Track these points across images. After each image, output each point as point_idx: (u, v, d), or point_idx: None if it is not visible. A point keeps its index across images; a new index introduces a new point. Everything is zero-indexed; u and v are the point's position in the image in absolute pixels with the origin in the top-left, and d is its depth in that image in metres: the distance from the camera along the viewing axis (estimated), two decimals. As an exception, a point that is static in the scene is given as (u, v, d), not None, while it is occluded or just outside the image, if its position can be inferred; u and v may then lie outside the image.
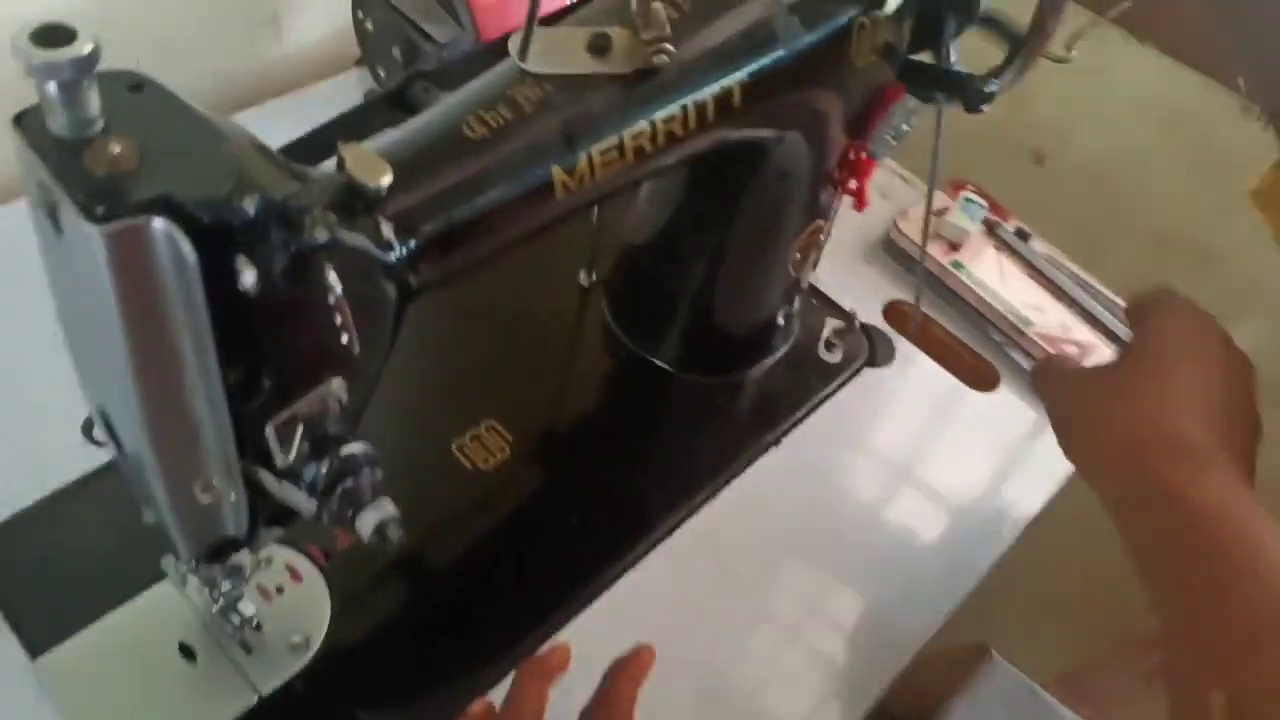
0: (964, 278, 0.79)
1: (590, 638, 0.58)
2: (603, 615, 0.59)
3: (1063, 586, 1.14)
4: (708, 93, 0.48)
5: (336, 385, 0.39)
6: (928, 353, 0.77)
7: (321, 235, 0.33)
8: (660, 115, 0.47)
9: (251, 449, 0.39)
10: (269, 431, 0.38)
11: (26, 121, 0.32)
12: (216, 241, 0.32)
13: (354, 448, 0.40)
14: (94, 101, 0.31)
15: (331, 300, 0.35)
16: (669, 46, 0.45)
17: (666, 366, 0.72)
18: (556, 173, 0.44)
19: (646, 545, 0.62)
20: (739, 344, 0.72)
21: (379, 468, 0.41)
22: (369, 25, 0.76)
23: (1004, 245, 0.83)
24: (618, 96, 0.46)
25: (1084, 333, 0.78)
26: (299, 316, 0.35)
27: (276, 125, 0.78)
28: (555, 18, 0.48)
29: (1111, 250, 0.99)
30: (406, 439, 0.64)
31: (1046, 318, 0.78)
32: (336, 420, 0.40)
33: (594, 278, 0.75)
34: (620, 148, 0.46)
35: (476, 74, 0.47)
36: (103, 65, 0.31)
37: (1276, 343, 0.95)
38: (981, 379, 0.77)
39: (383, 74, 0.78)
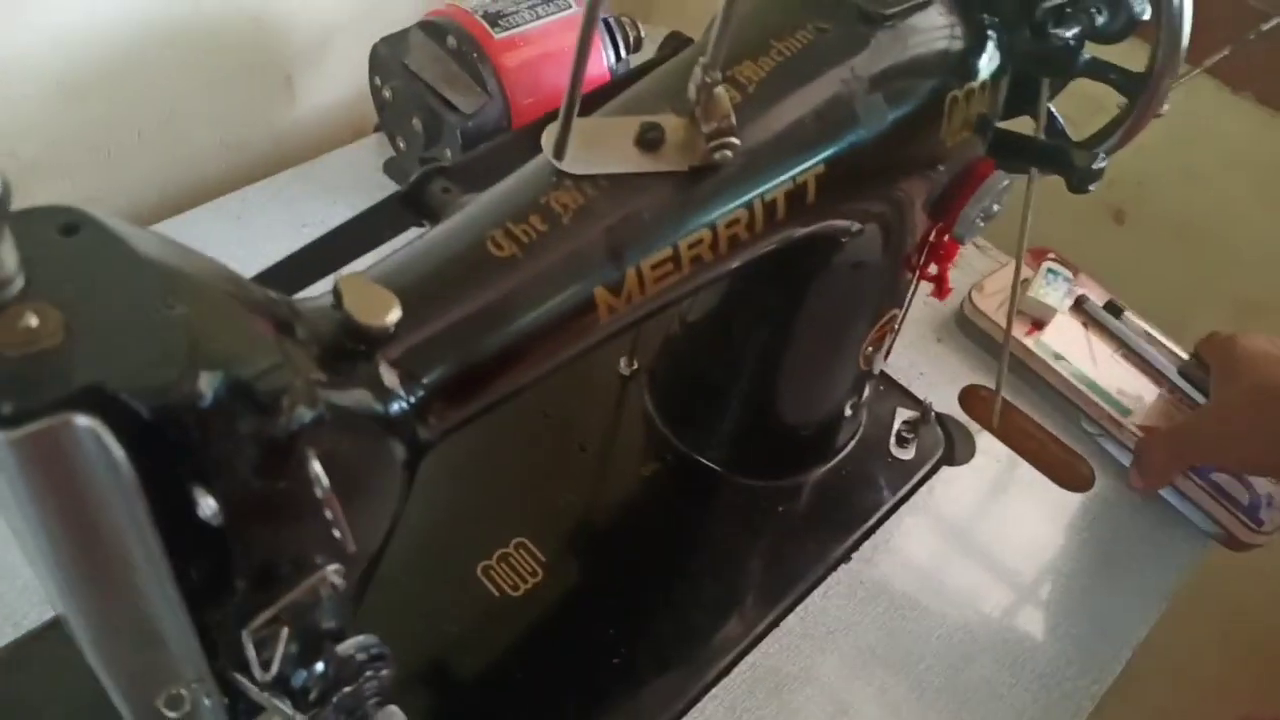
0: (1050, 360, 0.71)
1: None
2: (651, 776, 0.51)
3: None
4: (778, 188, 0.41)
5: (332, 571, 0.32)
6: (1012, 446, 0.69)
7: (304, 416, 0.26)
8: (722, 218, 0.39)
9: (228, 655, 0.31)
10: (245, 639, 0.30)
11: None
12: (164, 435, 0.24)
13: (353, 645, 0.33)
14: (10, 257, 0.24)
15: (319, 494, 0.27)
16: (734, 140, 0.37)
17: (717, 468, 0.64)
18: (600, 293, 0.37)
19: (699, 688, 0.54)
20: (800, 442, 0.64)
21: (387, 666, 0.34)
22: (387, 93, 0.70)
23: (1093, 322, 0.74)
24: (672, 198, 0.38)
25: (1189, 421, 0.70)
26: (277, 518, 0.28)
27: (291, 200, 0.72)
28: (593, 101, 0.41)
29: (1200, 318, 0.90)
30: (423, 563, 0.56)
31: (1145, 405, 0.69)
32: (330, 612, 0.33)
33: (635, 365, 0.67)
34: (675, 259, 0.39)
35: (506, 169, 0.40)
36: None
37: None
38: (1075, 476, 0.68)
39: (402, 145, 0.71)
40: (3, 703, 0.50)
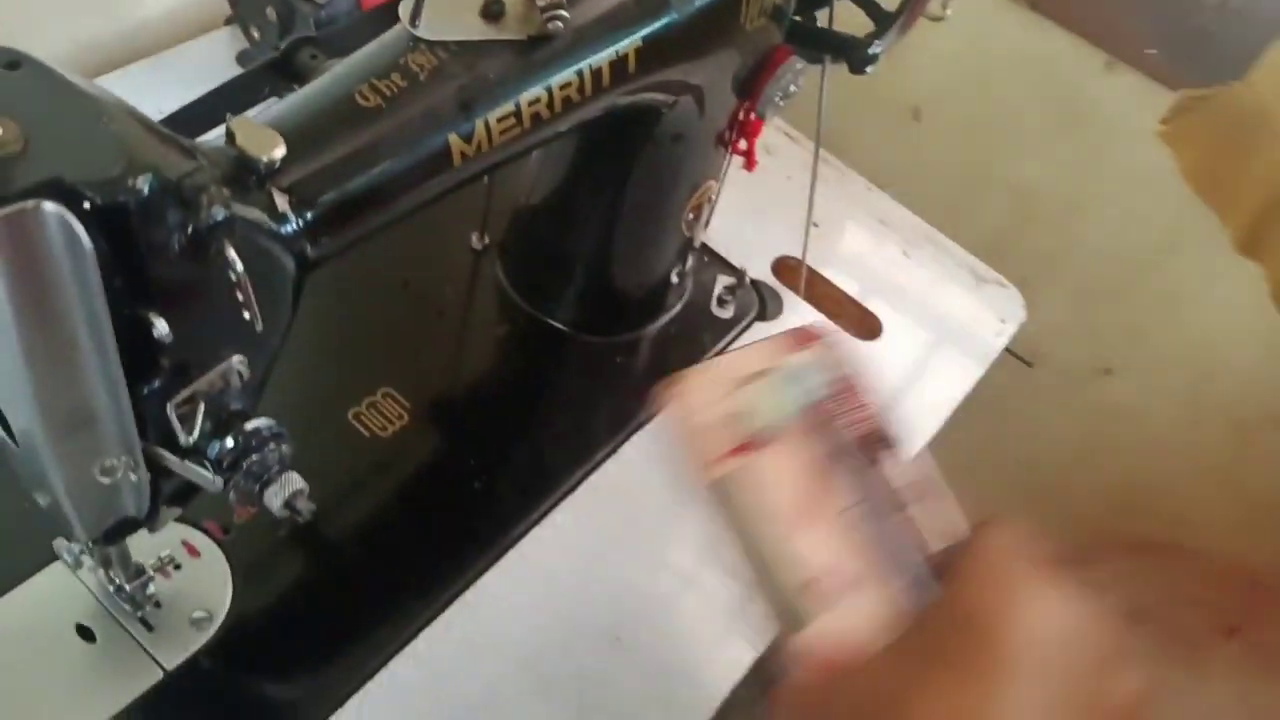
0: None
1: (498, 595, 0.59)
2: (510, 575, 0.60)
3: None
4: (603, 58, 0.49)
5: (237, 361, 0.39)
6: (815, 306, 0.80)
7: (219, 213, 0.33)
8: (556, 81, 0.47)
9: (153, 429, 0.38)
10: (170, 411, 0.37)
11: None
12: (110, 224, 0.31)
13: (258, 423, 0.40)
14: (-32, 80, 0.30)
15: (233, 278, 0.34)
16: (564, 13, 0.45)
17: (563, 327, 0.72)
18: (454, 141, 0.44)
19: (550, 503, 0.63)
20: (635, 303, 0.73)
21: (285, 442, 0.41)
22: (242, -20, 0.73)
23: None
24: (513, 63, 0.46)
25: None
26: (200, 296, 0.35)
27: (145, 90, 0.75)
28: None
29: (981, 203, 1.03)
30: (302, 410, 0.63)
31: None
32: (238, 396, 0.40)
33: (487, 240, 0.75)
34: (518, 115, 0.46)
35: (365, 40, 0.46)
36: None
37: (1133, 288, 1.01)
38: (866, 328, 0.80)
39: (256, 35, 0.75)
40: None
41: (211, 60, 0.81)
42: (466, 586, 0.59)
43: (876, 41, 0.63)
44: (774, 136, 0.91)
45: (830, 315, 0.80)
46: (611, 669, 0.58)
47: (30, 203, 0.29)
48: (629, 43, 0.49)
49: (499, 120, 0.45)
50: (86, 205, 0.30)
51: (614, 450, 0.67)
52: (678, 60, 0.54)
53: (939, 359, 0.80)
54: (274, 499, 0.40)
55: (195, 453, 0.39)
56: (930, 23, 0.89)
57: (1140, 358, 1.07)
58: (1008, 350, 0.84)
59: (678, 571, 0.63)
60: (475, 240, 0.75)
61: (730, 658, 0.60)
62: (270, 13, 0.72)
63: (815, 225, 0.85)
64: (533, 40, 0.46)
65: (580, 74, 0.48)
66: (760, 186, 0.85)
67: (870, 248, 0.86)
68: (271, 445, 0.40)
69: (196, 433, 0.38)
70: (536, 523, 0.62)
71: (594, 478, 0.65)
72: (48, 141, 0.30)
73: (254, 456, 0.40)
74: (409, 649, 0.56)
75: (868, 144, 1.05)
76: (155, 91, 0.75)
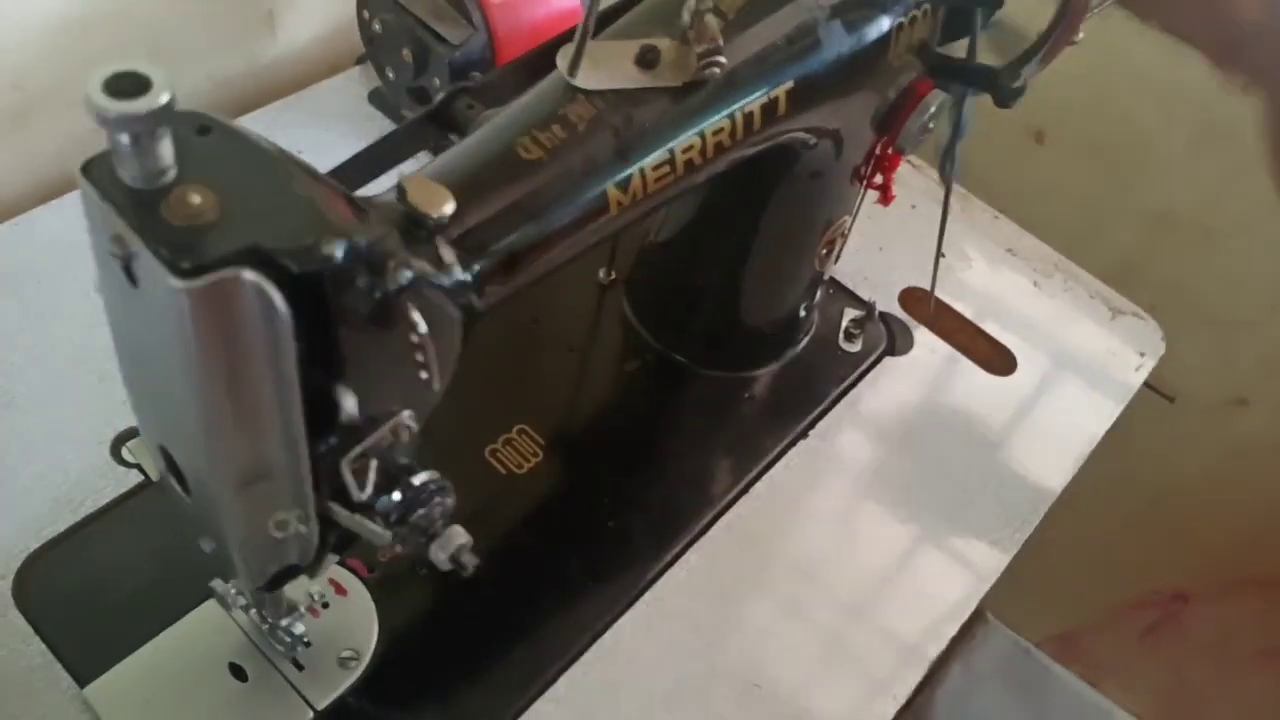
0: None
1: (635, 638, 0.58)
2: (647, 619, 0.59)
3: (1058, 550, 1.16)
4: (755, 101, 0.48)
5: (407, 416, 0.39)
6: (945, 339, 0.78)
7: (405, 276, 0.33)
8: (710, 127, 0.47)
9: (326, 484, 0.38)
10: (344, 468, 0.37)
11: (95, 171, 0.31)
12: (304, 290, 0.31)
13: (424, 477, 0.40)
14: (167, 150, 0.30)
15: (416, 339, 0.34)
16: (721, 59, 0.44)
17: (690, 363, 0.72)
18: (612, 190, 0.44)
19: (684, 543, 0.63)
20: (762, 339, 0.72)
21: (450, 495, 0.41)
22: (376, 26, 0.75)
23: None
24: (668, 110, 0.45)
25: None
26: (381, 357, 0.35)
27: (279, 130, 0.77)
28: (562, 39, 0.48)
29: (1109, 229, 1.00)
30: (442, 447, 0.63)
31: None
32: (406, 450, 0.40)
33: (614, 275, 0.75)
34: (672, 162, 0.46)
35: (518, 88, 0.46)
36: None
37: (1273, 317, 0.97)
38: (1000, 363, 0.78)
39: (391, 75, 0.77)
40: (71, 579, 0.56)
41: (344, 100, 0.82)
42: (604, 629, 0.59)
43: (1022, 74, 0.61)
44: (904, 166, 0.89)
45: (961, 350, 0.78)
46: (752, 716, 0.57)
47: (229, 271, 0.30)
48: (781, 85, 0.49)
49: (654, 168, 0.45)
50: (283, 273, 0.30)
51: (745, 489, 0.66)
52: (827, 99, 0.53)
53: (1076, 396, 0.77)
54: (439, 553, 0.40)
55: (366, 508, 0.39)
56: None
57: (1278, 389, 1.02)
58: (1148, 385, 0.81)
59: (816, 618, 0.62)
60: (602, 275, 0.75)
61: (874, 712, 0.58)
62: (406, 54, 0.74)
63: (943, 255, 0.83)
64: (687, 86, 0.45)
65: (732, 118, 0.47)
66: (885, 216, 0.83)
67: (999, 278, 0.84)
68: (437, 499, 0.40)
69: (369, 489, 0.38)
70: (670, 565, 0.62)
71: (727, 517, 0.65)
72: (242, 208, 0.31)
73: (420, 511, 0.40)
74: (550, 691, 0.56)
75: (988, 168, 1.02)
76: (289, 131, 0.77)
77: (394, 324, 0.34)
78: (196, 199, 0.30)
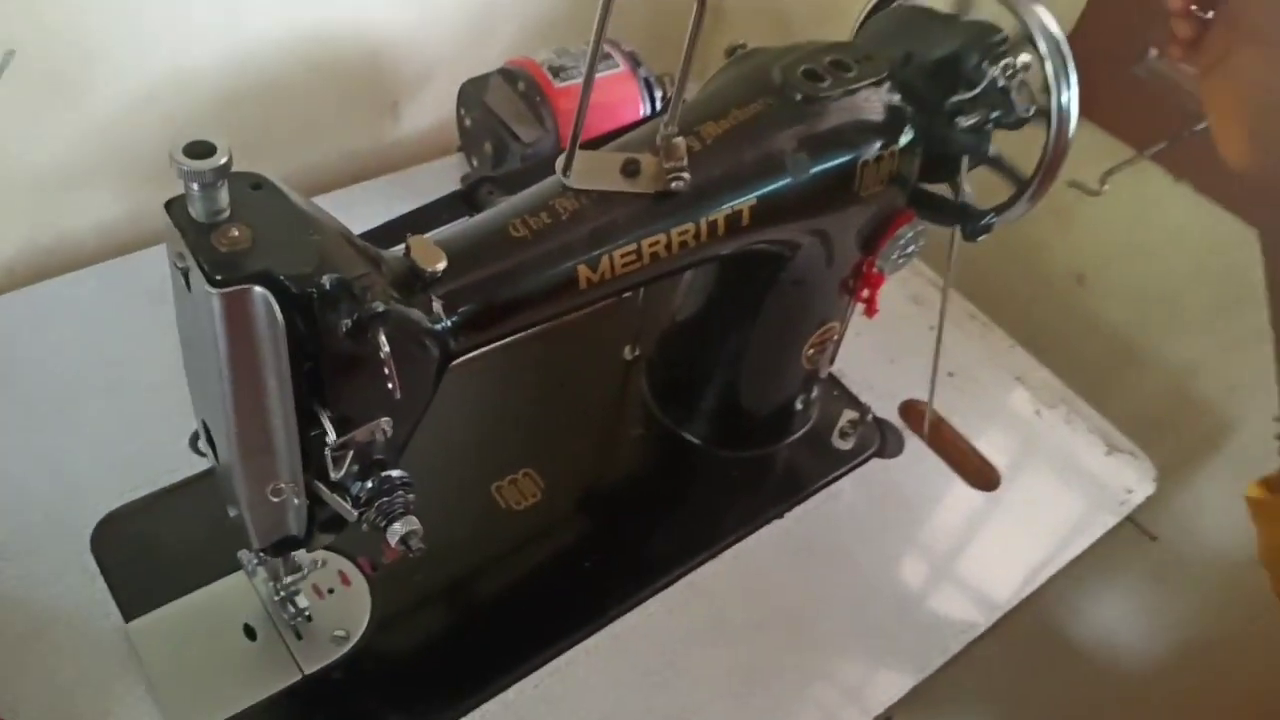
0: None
1: (587, 670, 0.67)
2: (600, 649, 0.67)
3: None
4: (719, 212, 0.58)
5: (385, 422, 0.50)
6: (937, 452, 0.84)
7: (378, 306, 0.44)
8: (675, 228, 0.57)
9: (314, 465, 0.49)
10: (327, 453, 0.48)
11: (173, 208, 0.44)
12: (300, 307, 0.43)
13: (392, 473, 0.51)
14: (225, 197, 0.43)
15: (382, 355, 0.45)
16: (685, 175, 0.55)
17: (693, 439, 0.81)
18: (581, 269, 0.55)
19: (648, 591, 0.71)
20: (759, 425, 0.81)
21: (412, 492, 0.51)
22: (468, 122, 0.89)
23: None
24: (640, 212, 0.56)
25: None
26: (359, 368, 0.46)
27: (384, 199, 0.92)
28: (601, 141, 0.59)
29: (1138, 375, 1.04)
30: (454, 477, 0.74)
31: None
32: (382, 449, 0.51)
33: (637, 353, 0.85)
34: (638, 253, 0.56)
35: (533, 183, 0.58)
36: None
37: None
38: (983, 479, 0.83)
39: (475, 163, 0.91)
40: (137, 537, 0.68)
41: (440, 180, 0.96)
42: (560, 653, 0.67)
43: (994, 215, 0.69)
44: (923, 288, 0.97)
45: (949, 462, 0.84)
46: (675, 750, 0.64)
47: (247, 286, 0.41)
48: (744, 200, 0.59)
49: (621, 255, 0.55)
50: (284, 291, 0.42)
51: (714, 555, 0.74)
52: (792, 219, 0.62)
53: (1052, 521, 0.82)
54: (394, 534, 0.50)
55: (341, 488, 0.50)
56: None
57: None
58: (1131, 520, 0.85)
59: (754, 677, 0.68)
60: (628, 352, 0.85)
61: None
62: (487, 147, 0.87)
63: (951, 375, 0.90)
64: (659, 195, 0.56)
65: (697, 224, 0.57)
66: (902, 332, 0.92)
67: (1002, 403, 0.90)
68: (401, 491, 0.51)
69: (344, 471, 0.49)
70: (632, 608, 0.70)
71: (692, 576, 0.72)
72: (267, 244, 0.43)
73: (385, 499, 0.50)
74: (501, 695, 0.64)
75: (1029, 304, 1.08)
76: (391, 200, 0.91)
77: (366, 343, 0.45)
78: (236, 233, 0.43)
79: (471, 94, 0.90)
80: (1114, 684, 1.20)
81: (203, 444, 0.54)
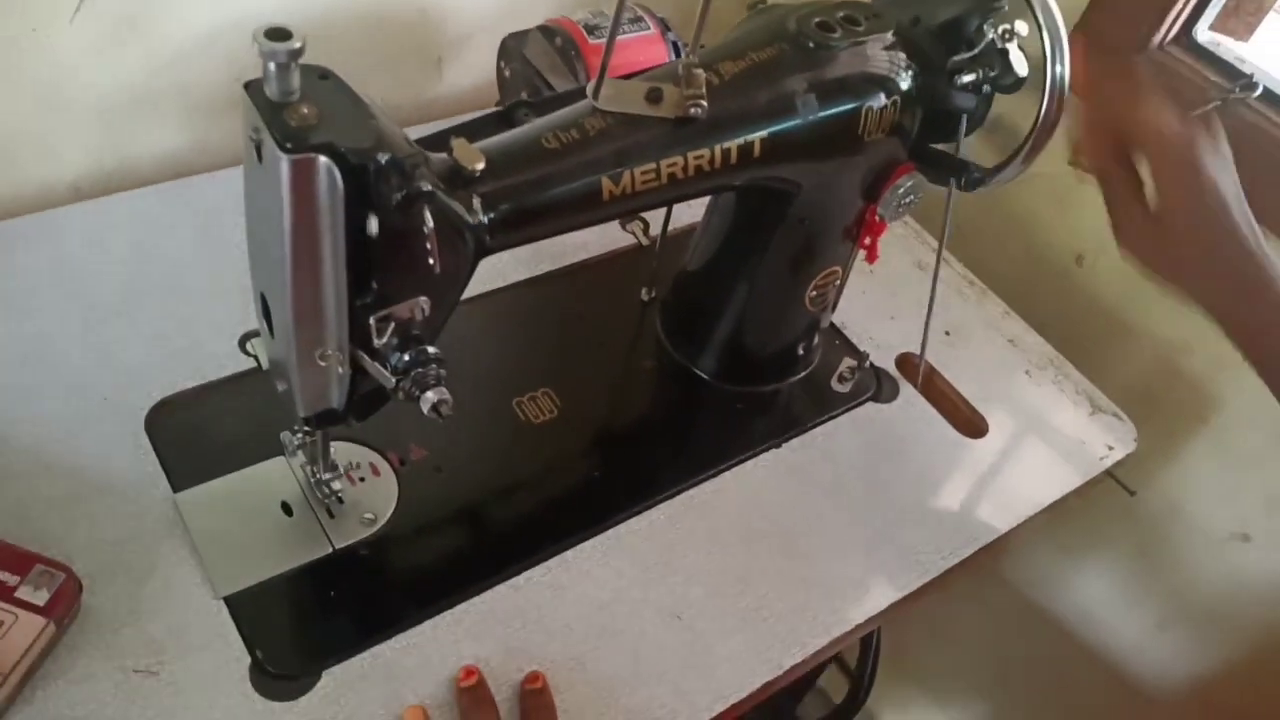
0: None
1: (591, 563, 0.72)
2: (604, 547, 0.73)
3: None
4: (732, 142, 0.64)
5: (423, 301, 0.56)
6: (928, 399, 0.90)
7: (425, 185, 0.50)
8: (692, 153, 0.63)
9: (358, 335, 0.56)
10: (371, 321, 0.54)
11: (251, 88, 0.50)
12: (357, 177, 0.49)
13: (428, 348, 0.57)
14: (296, 79, 0.49)
15: (426, 230, 0.51)
16: (703, 103, 0.61)
17: (701, 374, 0.86)
18: (605, 183, 0.61)
19: (650, 501, 0.76)
20: (762, 363, 0.86)
21: (444, 367, 0.57)
22: (507, 73, 0.95)
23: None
24: (660, 134, 0.62)
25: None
26: (402, 241, 0.52)
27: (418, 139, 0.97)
28: (630, 76, 0.65)
29: (1130, 350, 1.09)
30: (482, 389, 0.80)
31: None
32: (419, 326, 0.57)
33: (653, 294, 0.91)
34: (657, 172, 0.62)
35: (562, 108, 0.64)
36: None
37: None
38: (972, 427, 0.89)
39: (512, 115, 0.97)
40: (187, 421, 0.75)
41: (476, 130, 1.03)
42: (568, 547, 0.73)
43: (990, 171, 0.74)
44: (926, 255, 1.03)
45: (940, 410, 0.89)
46: (667, 638, 0.69)
47: (313, 155, 0.48)
48: (756, 134, 0.64)
49: (641, 173, 0.61)
50: (345, 162, 0.48)
51: (714, 475, 0.79)
52: (799, 158, 0.68)
53: (1035, 467, 0.87)
54: (427, 402, 0.56)
55: (381, 357, 0.56)
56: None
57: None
58: (1110, 475, 0.90)
59: (742, 583, 0.74)
60: (644, 293, 0.91)
61: (765, 660, 0.70)
62: (523, 96, 0.93)
63: (947, 334, 0.96)
64: (679, 120, 0.62)
65: (711, 150, 0.63)
66: (903, 294, 0.97)
67: (994, 362, 0.95)
68: (434, 365, 0.57)
69: (385, 340, 0.55)
70: (636, 514, 0.76)
71: (692, 492, 0.78)
72: (332, 122, 0.49)
73: (420, 369, 0.56)
74: (512, 580, 0.70)
75: (1027, 282, 1.13)
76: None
77: (412, 217, 0.51)
78: (305, 111, 0.49)
79: (512, 47, 0.96)
80: (1097, 656, 1.25)
81: (258, 319, 0.60)
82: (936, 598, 0.79)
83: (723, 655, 0.69)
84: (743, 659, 0.70)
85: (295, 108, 0.49)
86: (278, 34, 0.47)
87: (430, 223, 0.51)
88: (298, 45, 0.47)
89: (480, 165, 0.55)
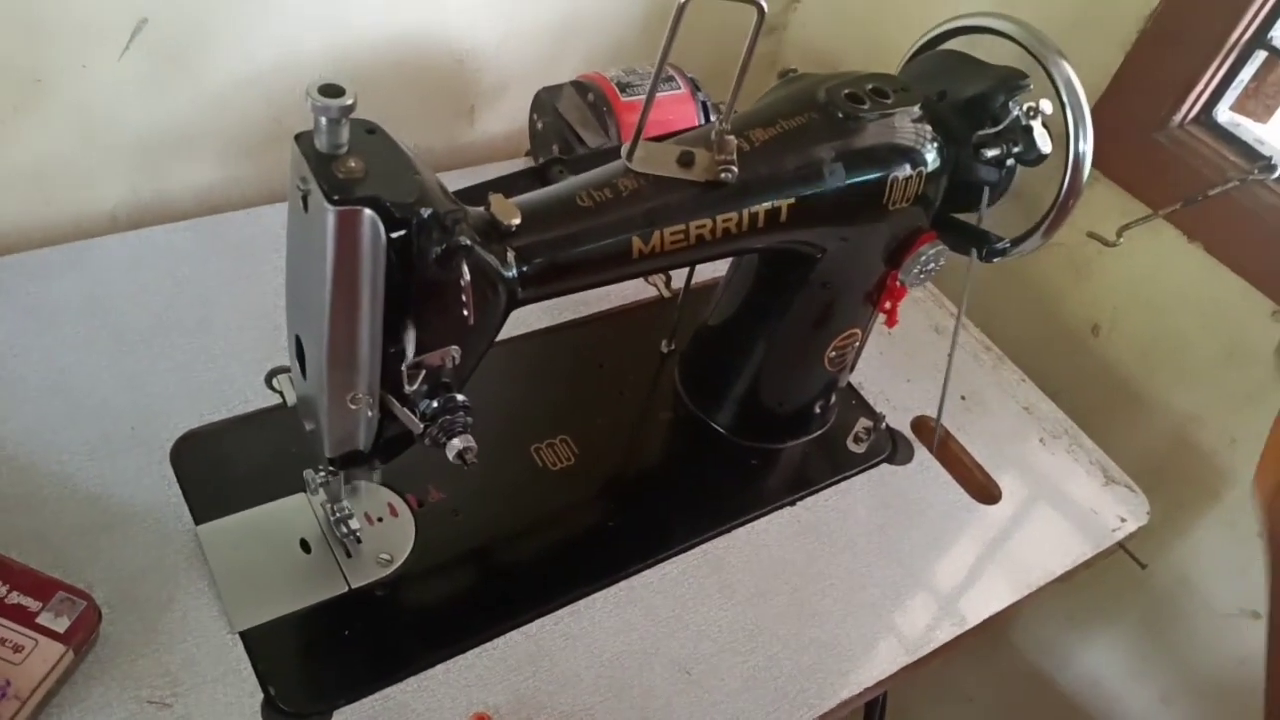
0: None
1: (603, 613, 0.73)
2: (616, 597, 0.74)
3: None
4: (760, 206, 0.65)
5: (455, 350, 0.57)
6: (942, 463, 0.90)
7: (464, 240, 0.52)
8: (720, 216, 0.64)
9: (389, 380, 0.57)
10: (403, 368, 0.56)
11: (301, 139, 0.52)
12: (399, 231, 0.50)
13: (456, 396, 0.58)
14: (345, 134, 0.51)
15: (463, 283, 0.53)
16: (734, 168, 0.62)
17: (718, 428, 0.87)
18: (635, 241, 0.62)
19: (664, 554, 0.77)
20: (778, 421, 0.87)
21: (471, 415, 0.58)
22: (539, 125, 0.97)
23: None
24: (691, 197, 0.63)
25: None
26: (438, 293, 0.53)
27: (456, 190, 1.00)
28: (663, 138, 0.67)
29: (1143, 422, 1.10)
30: (501, 434, 0.81)
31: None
32: (449, 374, 0.58)
33: (673, 346, 0.92)
34: (686, 233, 0.63)
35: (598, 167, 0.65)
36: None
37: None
38: (985, 493, 0.89)
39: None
40: (212, 454, 0.76)
41: (506, 178, 1.05)
42: (580, 597, 0.73)
43: (1010, 244, 0.76)
44: (944, 320, 1.04)
45: (954, 475, 0.90)
46: (675, 693, 0.70)
47: (359, 207, 0.49)
48: (783, 200, 0.66)
49: (671, 234, 0.63)
50: (389, 216, 0.50)
51: (728, 530, 0.80)
52: (825, 223, 0.69)
53: (1046, 537, 0.87)
54: (453, 449, 0.57)
55: (410, 403, 0.57)
56: (1114, 249, 1.00)
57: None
58: (1122, 547, 0.90)
59: (755, 638, 0.74)
60: (664, 345, 0.92)
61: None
62: (555, 149, 0.95)
63: (963, 398, 0.97)
64: (709, 184, 0.63)
65: (739, 213, 0.65)
66: (921, 357, 0.99)
67: (1009, 428, 0.96)
68: (462, 412, 0.58)
69: (415, 387, 0.56)
70: (649, 566, 0.76)
71: (705, 546, 0.79)
72: (377, 176, 0.51)
73: (448, 416, 0.57)
74: (524, 628, 0.71)
75: (1044, 349, 1.14)
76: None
77: (450, 271, 0.52)
78: (353, 164, 0.50)
79: (545, 100, 0.98)
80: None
81: (290, 358, 0.61)
82: (944, 661, 0.79)
83: (730, 713, 0.70)
84: (750, 718, 0.70)
85: (343, 161, 0.50)
86: (331, 90, 0.49)
87: (467, 275, 0.52)
88: (349, 102, 0.49)
89: (516, 220, 0.57)
